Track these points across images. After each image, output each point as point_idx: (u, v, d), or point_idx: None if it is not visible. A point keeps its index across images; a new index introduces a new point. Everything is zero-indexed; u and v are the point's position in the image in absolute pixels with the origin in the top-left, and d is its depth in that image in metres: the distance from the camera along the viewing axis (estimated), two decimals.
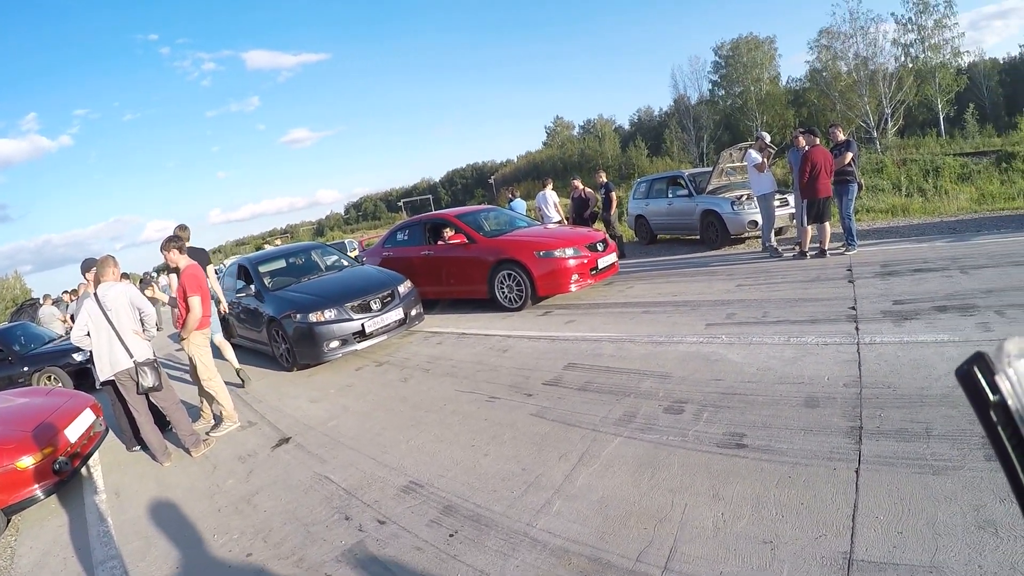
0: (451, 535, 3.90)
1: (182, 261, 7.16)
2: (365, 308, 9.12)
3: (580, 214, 14.75)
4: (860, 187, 10.46)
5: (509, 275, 10.21)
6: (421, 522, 4.17)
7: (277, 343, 9.45)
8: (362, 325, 8.86)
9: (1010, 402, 0.63)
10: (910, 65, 46.15)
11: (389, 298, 9.47)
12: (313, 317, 8.64)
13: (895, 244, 9.89)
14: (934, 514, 2.99)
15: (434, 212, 16.20)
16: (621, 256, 12.34)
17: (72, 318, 13.35)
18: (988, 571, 2.56)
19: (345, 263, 11.73)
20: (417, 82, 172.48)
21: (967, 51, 48.47)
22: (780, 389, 4.85)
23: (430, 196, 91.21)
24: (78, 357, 11.56)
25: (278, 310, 9.15)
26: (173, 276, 7.63)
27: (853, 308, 6.62)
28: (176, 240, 7.20)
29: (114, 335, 6.32)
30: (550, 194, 15.22)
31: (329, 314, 8.72)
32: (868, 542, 2.91)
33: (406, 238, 12.67)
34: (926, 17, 46.13)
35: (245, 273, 10.62)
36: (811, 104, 53.68)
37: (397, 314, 9.35)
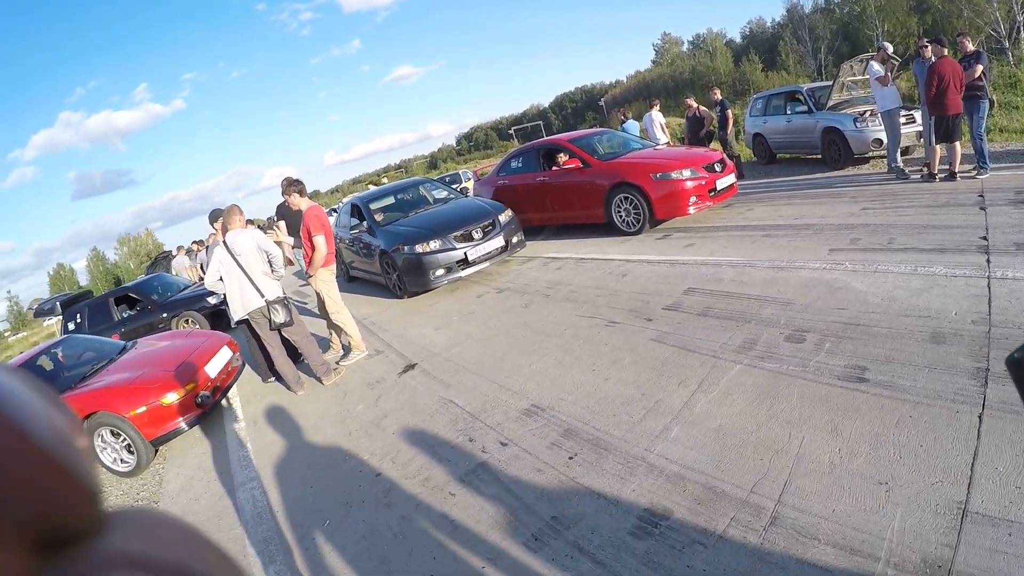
0: (570, 458, 4.05)
1: (303, 203, 7.47)
2: (467, 237, 9.52)
3: (696, 134, 14.29)
4: (992, 104, 9.72)
5: (626, 198, 10.10)
6: (542, 444, 4.33)
7: (389, 274, 10.18)
8: (465, 253, 9.34)
9: None
10: None
11: (490, 227, 9.82)
12: (420, 248, 9.23)
13: None
14: None
15: (546, 138, 16.13)
16: (739, 177, 11.95)
17: (202, 267, 14.29)
18: None
19: (450, 195, 12.12)
20: (518, 7, 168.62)
21: None
22: (905, 322, 4.70)
23: (540, 122, 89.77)
24: (212, 300, 12.21)
25: (388, 243, 9.78)
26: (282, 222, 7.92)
27: (984, 238, 6.23)
28: (296, 183, 7.48)
29: (245, 278, 6.65)
30: (656, 115, 14.98)
31: (434, 244, 9.27)
32: (985, 494, 2.84)
33: (520, 165, 12.64)
34: None
35: (358, 211, 11.31)
36: (935, 10, 49.13)
37: (498, 242, 9.73)
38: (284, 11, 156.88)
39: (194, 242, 18.67)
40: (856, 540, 2.79)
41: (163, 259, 22.85)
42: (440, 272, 9.21)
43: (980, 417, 3.38)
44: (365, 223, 10.80)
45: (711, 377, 4.61)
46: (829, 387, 4.07)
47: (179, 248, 19.30)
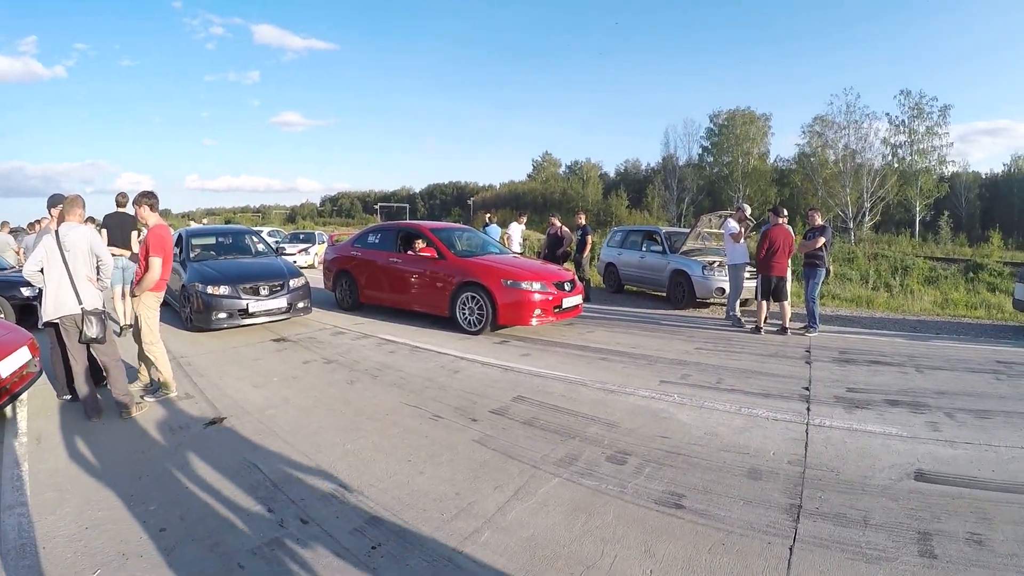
0: (373, 547, 3.81)
1: (152, 219, 7.06)
2: (255, 291, 10.51)
3: (553, 251, 14.74)
4: (828, 272, 10.66)
5: (472, 298, 10.17)
6: (345, 528, 4.07)
7: (184, 306, 10.72)
8: (247, 305, 10.25)
9: None
10: (896, 165, 47.60)
11: (279, 288, 10.78)
12: (211, 289, 10.07)
13: (856, 333, 10.06)
14: None
15: (409, 221, 16.32)
16: (586, 300, 12.34)
17: (26, 252, 13.06)
18: None
19: (265, 252, 13.10)
20: (415, 91, 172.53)
21: (952, 161, 50.23)
22: (725, 456, 4.85)
23: (407, 205, 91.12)
24: (26, 292, 11.07)
25: (190, 278, 10.48)
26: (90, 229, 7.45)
27: (807, 388, 6.69)
28: (151, 196, 7.11)
29: (67, 277, 6.17)
30: (519, 227, 15.89)
31: (223, 290, 10.17)
32: None
33: (377, 241, 12.63)
34: (919, 122, 47.78)
35: (180, 242, 11.53)
36: (794, 186, 54.81)
37: (282, 303, 10.68)
38: (197, 17, 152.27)
39: (30, 223, 17.05)
40: None
41: None
42: (222, 315, 10.06)
43: (791, 549, 3.50)
44: (181, 255, 11.27)
45: (528, 486, 4.52)
46: (646, 510, 4.08)
47: (4, 223, 17.40)
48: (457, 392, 6.93)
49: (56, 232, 6.25)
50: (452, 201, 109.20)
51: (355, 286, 12.28)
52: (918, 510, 3.93)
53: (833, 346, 8.89)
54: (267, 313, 10.54)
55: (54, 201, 7.07)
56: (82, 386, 6.38)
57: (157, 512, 4.41)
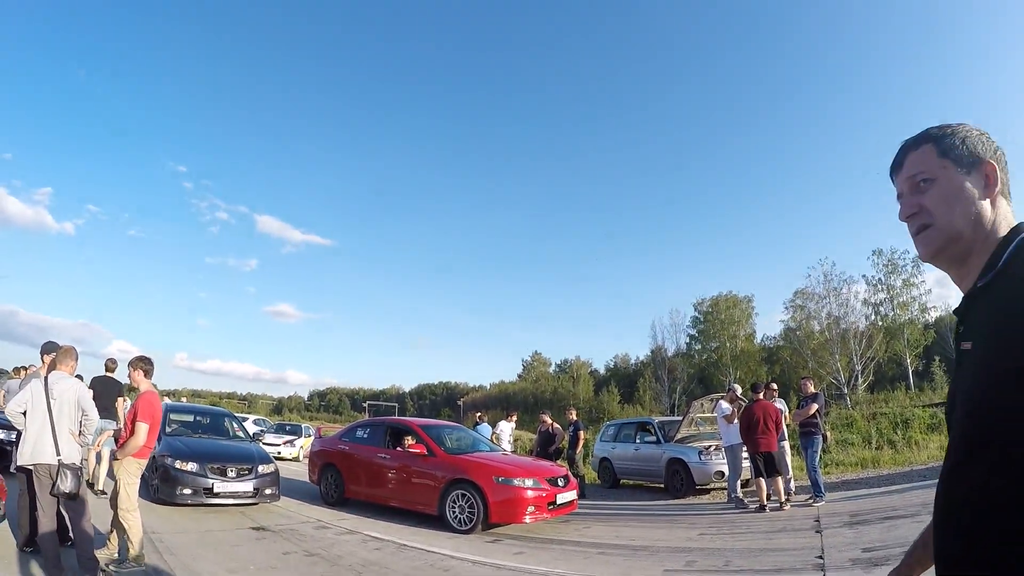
0: None
1: (144, 384, 7.03)
2: (222, 472, 10.58)
3: (545, 448, 14.63)
4: (826, 439, 10.51)
5: (463, 495, 9.87)
6: None
7: (153, 476, 10.42)
8: (212, 484, 10.32)
9: None
10: (880, 323, 48.00)
11: (247, 472, 10.84)
12: (179, 464, 10.17)
13: (865, 495, 9.80)
14: None
15: (399, 417, 16.29)
16: (581, 496, 12.03)
17: (7, 395, 12.83)
18: None
19: (243, 438, 13.29)
20: (408, 292, 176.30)
21: (933, 306, 50.51)
22: None
23: (396, 405, 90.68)
24: (0, 435, 10.84)
25: (161, 450, 10.23)
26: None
27: (820, 557, 6.38)
28: (147, 362, 7.11)
29: (48, 425, 6.05)
30: (509, 425, 15.99)
31: (191, 466, 10.27)
32: None
33: (366, 436, 12.49)
34: (895, 277, 48.54)
35: None
36: (784, 361, 54.77)
37: (248, 487, 10.73)
38: (205, 200, 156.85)
39: (15, 368, 16.67)
40: None
41: None
42: (187, 491, 10.09)
43: None
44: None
45: None
46: None
47: None
48: None
49: (45, 379, 6.23)
50: (442, 401, 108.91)
51: (341, 480, 11.90)
52: None
53: (843, 511, 8.61)
54: (232, 495, 10.62)
55: (48, 348, 7.14)
56: (47, 542, 6.10)
57: None
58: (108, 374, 11.55)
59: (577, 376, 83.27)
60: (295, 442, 26.41)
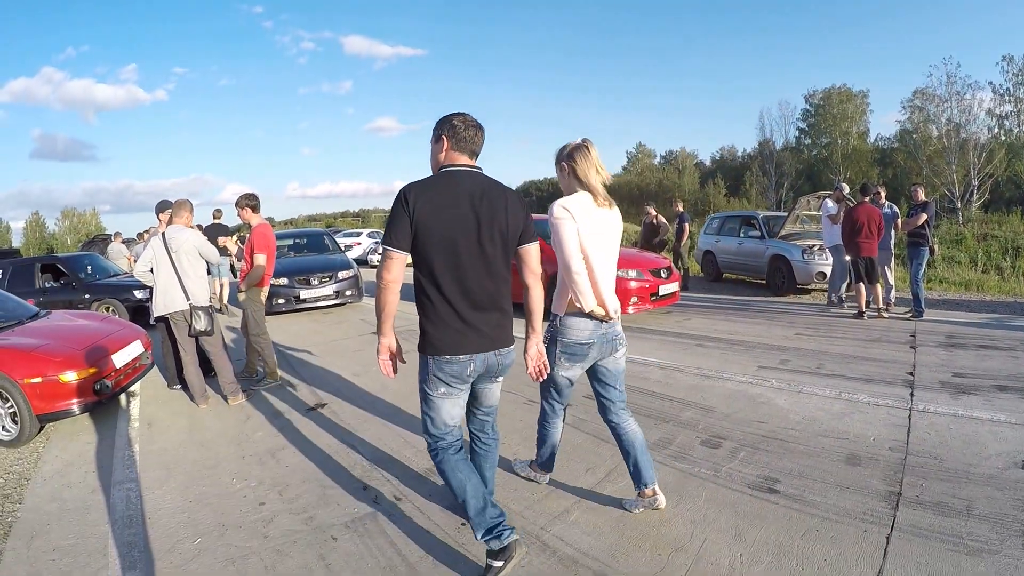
0: (463, 524, 3.87)
1: (255, 219, 7.38)
2: (307, 282, 12.78)
3: (649, 240, 14.50)
4: (933, 252, 10.06)
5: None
6: (437, 506, 4.17)
7: None
8: (299, 293, 12.56)
9: None
10: (1003, 138, 43.77)
11: (328, 279, 12.98)
12: (272, 281, 10.35)
13: (964, 317, 9.47)
14: None
15: None
16: (684, 288, 12.12)
17: (136, 259, 13.97)
18: None
19: (334, 250, 15.56)
20: (506, 90, 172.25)
21: None
22: (823, 442, 4.69)
23: None
24: (139, 295, 11.90)
25: None
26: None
27: (911, 374, 6.37)
28: (252, 198, 7.38)
29: (174, 276, 6.49)
30: None
31: (282, 281, 12.13)
32: None
33: None
34: None
35: None
36: (897, 165, 50.94)
37: (329, 291, 12.92)
38: (288, 34, 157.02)
39: (139, 233, 18.08)
40: None
41: (100, 240, 21.91)
42: (281, 301, 12.18)
43: (888, 538, 3.33)
44: None
45: (620, 468, 4.44)
46: (738, 493, 3.99)
47: (116, 234, 18.52)
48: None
49: (163, 235, 6.57)
50: (548, 196, 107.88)
51: None
52: None
53: (939, 331, 8.41)
54: (316, 299, 12.82)
55: (162, 207, 7.45)
56: (192, 376, 6.73)
57: (257, 488, 4.62)
58: (216, 221, 14.04)
59: (682, 168, 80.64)
60: None
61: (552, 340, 3.74)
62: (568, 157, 3.68)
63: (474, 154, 3.22)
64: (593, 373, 3.84)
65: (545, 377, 3.48)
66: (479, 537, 3.21)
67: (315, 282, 12.87)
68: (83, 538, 4.09)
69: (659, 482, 3.98)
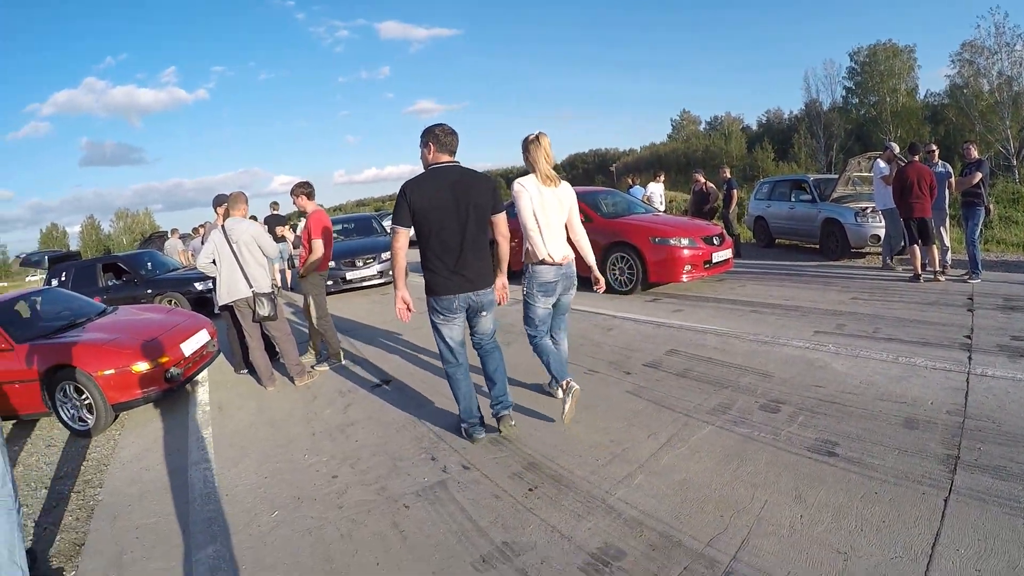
0: (530, 489, 4.02)
1: (310, 206, 7.53)
2: (352, 264, 13.67)
3: (699, 208, 14.41)
4: (988, 212, 9.79)
5: (622, 258, 10.17)
6: (504, 473, 4.31)
7: None
8: (345, 274, 13.48)
9: None
10: None
11: (371, 260, 13.80)
12: None
13: (1021, 279, 9.23)
14: (1017, 560, 2.85)
15: None
16: (736, 255, 11.98)
17: (193, 253, 14.72)
18: None
19: (380, 233, 16.53)
20: (543, 64, 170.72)
21: None
22: (881, 405, 4.70)
23: None
24: (199, 286, 12.40)
25: None
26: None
27: (968, 337, 6.27)
28: (307, 186, 7.53)
29: (236, 265, 6.69)
30: (658, 186, 16.03)
31: (331, 264, 11.29)
32: (944, 573, 2.81)
33: None
34: None
35: None
36: (948, 122, 48.88)
37: (373, 271, 13.77)
38: (323, 25, 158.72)
39: (194, 228, 18.55)
40: None
41: (157, 238, 22.52)
42: (329, 283, 11.94)
43: (946, 501, 3.35)
44: None
45: (681, 434, 4.57)
46: (798, 456, 4.04)
47: (173, 230, 19.05)
48: (611, 348, 7.03)
49: (223, 227, 6.76)
50: (594, 169, 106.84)
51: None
52: None
53: (998, 293, 8.22)
54: (361, 280, 13.71)
55: (219, 200, 7.66)
56: (258, 359, 6.96)
57: (329, 463, 4.82)
58: (273, 212, 14.62)
59: (728, 133, 79.28)
60: None
61: (528, 282, 5.07)
62: (525, 148, 5.14)
63: (452, 152, 4.52)
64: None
65: (507, 302, 5.10)
66: (461, 425, 4.96)
67: (360, 264, 13.68)
68: (164, 516, 4.34)
69: (719, 446, 4.18)
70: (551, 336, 5.29)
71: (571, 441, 4.67)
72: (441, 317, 4.65)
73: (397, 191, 4.44)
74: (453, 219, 4.38)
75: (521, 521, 3.67)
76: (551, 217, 4.99)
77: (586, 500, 3.80)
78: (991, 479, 3.54)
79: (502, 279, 4.95)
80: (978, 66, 45.46)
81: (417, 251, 4.65)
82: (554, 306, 5.18)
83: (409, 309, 4.66)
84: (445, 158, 4.49)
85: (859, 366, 5.64)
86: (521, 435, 4.89)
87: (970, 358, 5.61)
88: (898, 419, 4.44)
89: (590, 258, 5.03)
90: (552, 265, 4.93)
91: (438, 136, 4.45)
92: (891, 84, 56.24)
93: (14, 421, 6.75)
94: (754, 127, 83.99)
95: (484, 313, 4.76)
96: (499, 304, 4.90)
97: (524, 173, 5.15)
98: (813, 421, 4.55)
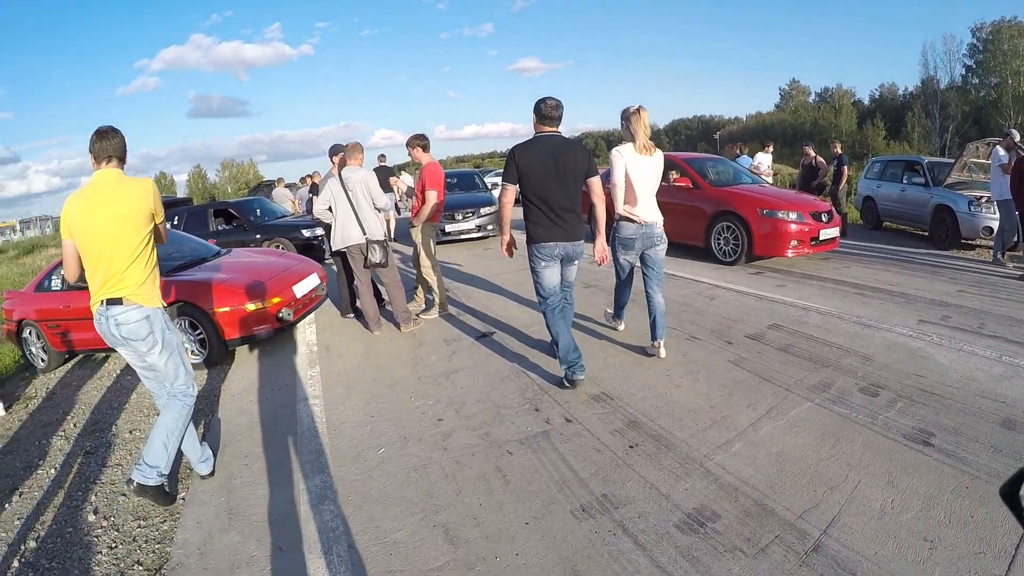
0: (631, 447, 4.28)
1: (424, 158, 7.73)
2: (451, 217, 14.07)
3: (808, 182, 14.12)
4: None
5: (728, 227, 10.15)
6: (605, 429, 4.57)
7: None
8: (444, 226, 13.68)
9: None
10: None
11: (471, 214, 14.34)
12: None
13: None
14: None
15: (664, 153, 16.48)
16: (843, 235, 11.81)
17: (300, 202, 16.54)
18: None
19: (481, 188, 17.09)
20: (650, 26, 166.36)
21: None
22: (980, 402, 4.74)
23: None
24: (306, 233, 12.89)
25: None
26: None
27: None
28: (422, 138, 7.72)
29: (351, 212, 6.95)
30: (766, 157, 15.70)
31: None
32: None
33: None
34: None
35: None
36: None
37: (471, 225, 14.32)
38: None
39: (301, 178, 19.14)
40: None
41: (265, 187, 23.34)
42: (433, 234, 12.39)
43: None
44: None
45: (780, 407, 4.74)
46: (893, 442, 4.17)
47: (279, 180, 19.79)
48: (713, 317, 7.18)
49: (340, 175, 7.01)
50: (697, 135, 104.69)
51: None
52: None
53: None
54: (460, 232, 14.30)
55: (335, 150, 7.89)
56: (367, 304, 7.30)
57: (435, 406, 5.16)
58: (382, 164, 15.18)
59: (839, 107, 75.97)
60: None
61: (613, 236, 5.82)
62: (625, 118, 5.58)
63: (556, 121, 5.15)
64: (643, 259, 5.85)
65: (608, 262, 5.59)
66: (562, 366, 5.31)
67: (459, 217, 14.14)
68: (272, 447, 4.74)
69: (817, 423, 4.39)
70: (646, 292, 5.91)
71: (672, 404, 4.90)
72: (541, 263, 5.25)
73: (496, 148, 5.17)
74: (552, 179, 5.04)
75: (621, 476, 3.93)
76: (644, 183, 5.59)
77: (684, 461, 4.05)
78: None
79: (601, 240, 5.39)
80: None
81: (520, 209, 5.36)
82: (646, 266, 5.88)
83: (514, 246, 5.60)
84: (549, 128, 5.14)
85: (961, 360, 5.64)
86: (623, 394, 5.15)
87: None
88: (996, 418, 4.47)
89: (601, 226, 5.40)
90: (634, 223, 5.63)
91: (541, 110, 5.09)
92: (1015, 65, 52.62)
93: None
94: (866, 102, 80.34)
95: (575, 262, 5.47)
96: (600, 264, 5.50)
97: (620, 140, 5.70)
98: (911, 409, 4.64)
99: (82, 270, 3.80)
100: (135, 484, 3.87)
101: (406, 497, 3.87)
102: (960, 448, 4.07)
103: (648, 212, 5.63)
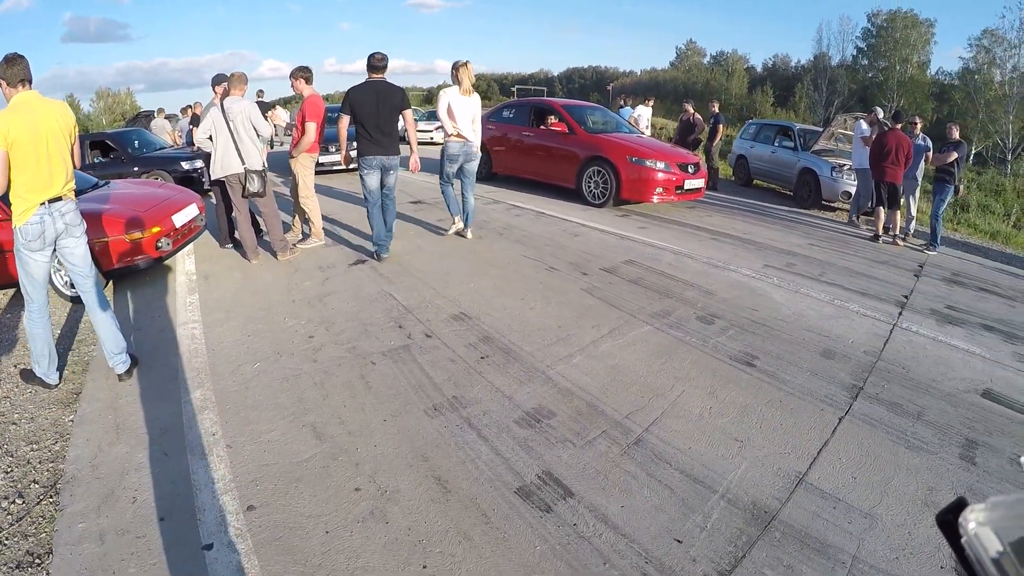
0: (482, 357, 4.52)
1: (307, 90, 7.64)
2: (325, 150, 13.25)
3: (684, 137, 14.53)
4: (958, 192, 10.10)
5: (598, 172, 10.40)
6: (461, 343, 4.80)
7: None
8: (319, 159, 13.27)
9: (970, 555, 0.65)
10: None
11: (338, 147, 13.32)
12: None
13: (976, 261, 9.65)
14: (890, 477, 3.28)
15: (543, 98, 16.36)
16: (712, 188, 12.24)
17: (180, 134, 15.80)
18: (916, 538, 2.85)
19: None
20: None
21: None
22: (805, 335, 5.14)
23: (544, 88, 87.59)
24: (185, 165, 12.34)
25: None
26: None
27: (906, 297, 6.66)
28: (305, 70, 7.67)
29: (231, 142, 6.81)
30: (646, 111, 15.71)
31: (332, 148, 13.76)
32: (823, 473, 3.27)
33: (511, 117, 12.84)
34: None
35: None
36: (954, 103, 48.40)
37: (338, 157, 13.84)
38: None
39: (182, 108, 18.24)
40: (701, 474, 3.23)
41: (144, 118, 22.12)
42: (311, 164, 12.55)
43: (840, 419, 3.83)
44: None
45: (622, 329, 5.02)
46: (719, 362, 4.52)
47: (159, 110, 18.84)
48: (574, 251, 7.42)
49: (221, 104, 6.85)
50: (591, 86, 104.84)
51: (488, 157, 12.29)
52: (973, 421, 3.99)
53: (948, 267, 8.60)
54: (331, 164, 14.34)
55: (218, 80, 7.56)
56: (245, 233, 7.22)
57: (307, 325, 5.25)
58: (259, 99, 14.33)
59: (731, 71, 77.60)
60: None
61: (443, 152, 7.68)
62: (455, 68, 7.49)
63: (381, 71, 6.80)
64: (461, 170, 7.73)
65: (419, 170, 7.41)
66: (374, 247, 7.11)
67: (332, 149, 13.96)
68: (155, 367, 4.66)
69: (653, 343, 4.67)
70: (462, 194, 7.97)
71: (524, 323, 5.16)
72: (365, 171, 6.85)
73: None
74: (375, 111, 6.67)
75: (471, 381, 4.20)
76: (464, 114, 7.49)
77: (529, 370, 4.33)
78: (886, 411, 3.99)
79: (415, 157, 7.26)
80: (994, 55, 44.64)
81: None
82: (463, 174, 7.79)
83: (350, 158, 7.91)
84: (376, 76, 6.82)
85: (796, 300, 6.08)
86: (480, 315, 5.38)
87: (901, 314, 6.03)
88: (817, 348, 4.89)
89: (414, 145, 7.29)
90: (459, 141, 7.53)
91: (371, 62, 6.79)
92: (903, 54, 55.22)
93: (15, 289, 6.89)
94: (759, 69, 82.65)
95: (392, 172, 6.99)
96: (412, 172, 7.43)
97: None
98: (741, 336, 5.01)
99: (8, 182, 3.94)
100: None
101: (279, 403, 4.00)
102: (780, 370, 4.44)
103: (468, 135, 7.54)
